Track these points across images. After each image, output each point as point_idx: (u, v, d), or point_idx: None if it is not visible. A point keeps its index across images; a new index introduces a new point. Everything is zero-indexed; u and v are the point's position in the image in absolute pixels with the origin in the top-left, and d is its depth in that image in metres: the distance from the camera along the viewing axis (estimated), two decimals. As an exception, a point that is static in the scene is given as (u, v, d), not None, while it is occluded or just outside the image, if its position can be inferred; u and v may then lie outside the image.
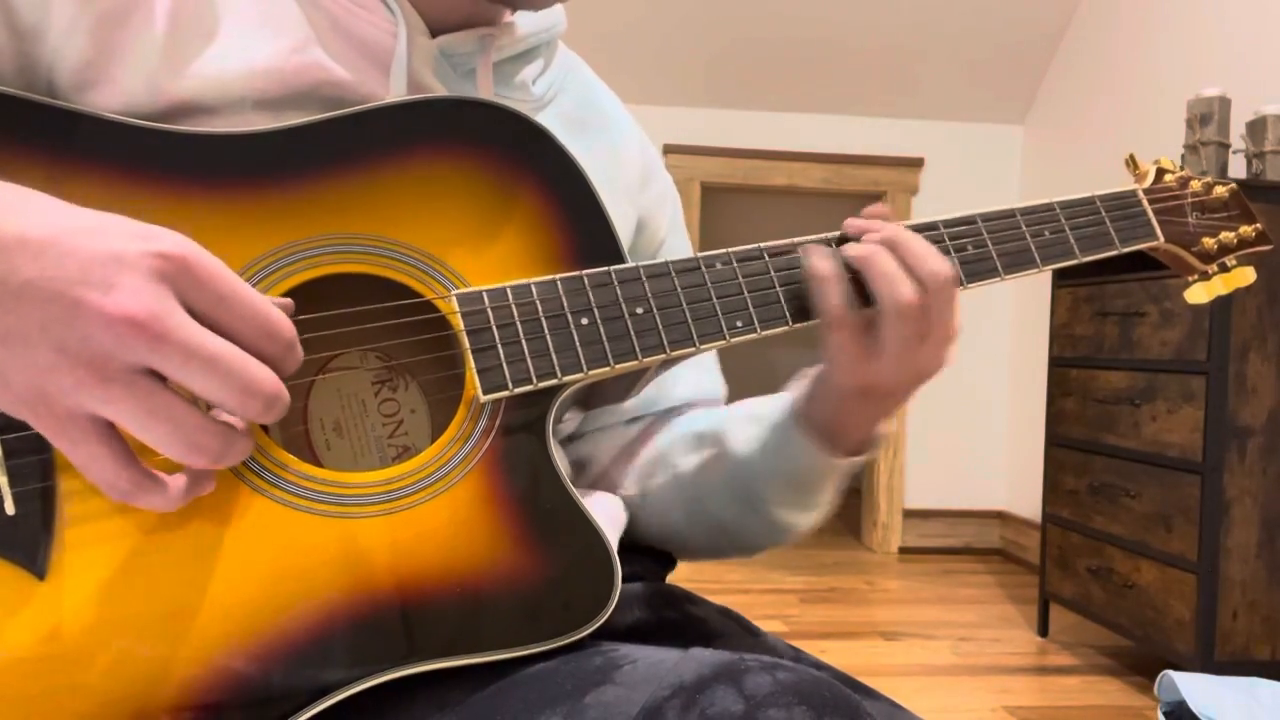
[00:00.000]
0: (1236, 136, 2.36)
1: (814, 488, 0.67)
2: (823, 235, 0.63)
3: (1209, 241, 0.72)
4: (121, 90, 0.56)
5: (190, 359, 0.41)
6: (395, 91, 0.61)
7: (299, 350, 0.46)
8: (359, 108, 0.57)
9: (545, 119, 0.70)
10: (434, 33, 0.64)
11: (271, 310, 0.44)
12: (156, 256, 0.41)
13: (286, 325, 0.45)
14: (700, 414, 0.77)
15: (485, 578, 0.52)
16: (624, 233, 0.72)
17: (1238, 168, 2.42)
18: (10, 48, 0.55)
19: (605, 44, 3.30)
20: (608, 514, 0.68)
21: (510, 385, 0.55)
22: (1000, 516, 3.80)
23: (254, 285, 0.53)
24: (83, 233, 0.41)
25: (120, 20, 0.56)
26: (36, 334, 0.40)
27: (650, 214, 0.76)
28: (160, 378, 0.41)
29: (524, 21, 0.68)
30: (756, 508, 0.68)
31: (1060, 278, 2.62)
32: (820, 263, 0.59)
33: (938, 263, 0.59)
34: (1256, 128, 2.28)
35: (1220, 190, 0.74)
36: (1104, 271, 2.40)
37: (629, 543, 0.73)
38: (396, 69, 0.61)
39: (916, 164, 3.73)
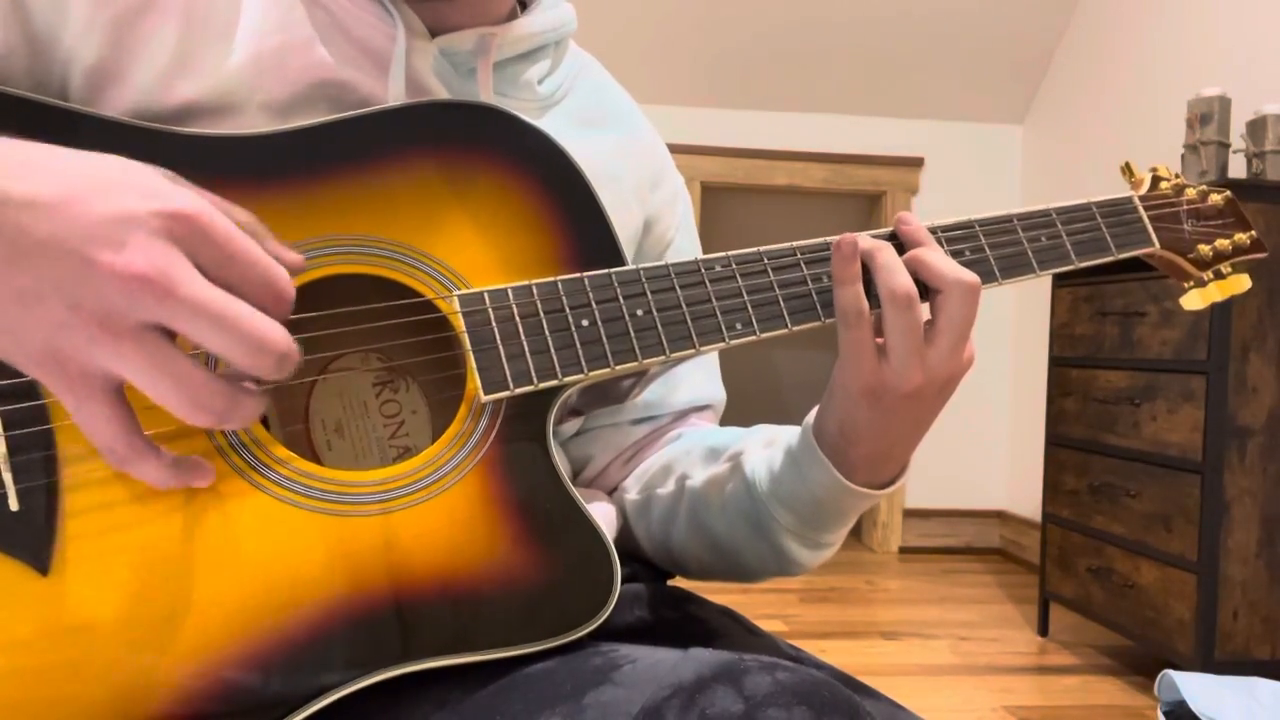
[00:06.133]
0: (1236, 136, 2.36)
1: (822, 517, 0.64)
2: (825, 239, 0.63)
3: (1204, 248, 0.72)
4: (132, 89, 0.56)
5: (198, 314, 0.41)
6: (394, 93, 0.61)
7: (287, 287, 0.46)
8: (361, 110, 0.57)
9: (552, 118, 0.70)
10: (435, 33, 0.64)
11: (279, 274, 0.45)
12: (167, 216, 0.42)
13: (290, 290, 0.46)
14: (715, 429, 0.76)
15: (484, 577, 0.52)
16: (630, 232, 0.72)
17: (1238, 168, 2.42)
18: (23, 50, 0.56)
19: (605, 43, 3.30)
20: (601, 518, 0.68)
21: (511, 385, 0.55)
22: (1000, 516, 3.80)
23: None
24: (94, 192, 0.42)
25: (134, 20, 0.57)
26: (50, 292, 0.41)
27: (659, 214, 0.76)
28: (171, 336, 0.42)
29: (528, 21, 0.68)
30: (763, 531, 0.66)
31: (1060, 278, 2.62)
32: (843, 265, 0.59)
33: (944, 265, 0.59)
34: (1256, 128, 2.28)
35: (1215, 198, 0.74)
36: (1104, 271, 2.40)
37: (622, 551, 0.73)
38: (395, 70, 0.61)
39: (916, 164, 3.73)
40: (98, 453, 0.44)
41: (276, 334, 0.43)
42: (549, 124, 0.67)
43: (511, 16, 0.69)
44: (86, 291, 0.40)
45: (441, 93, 0.63)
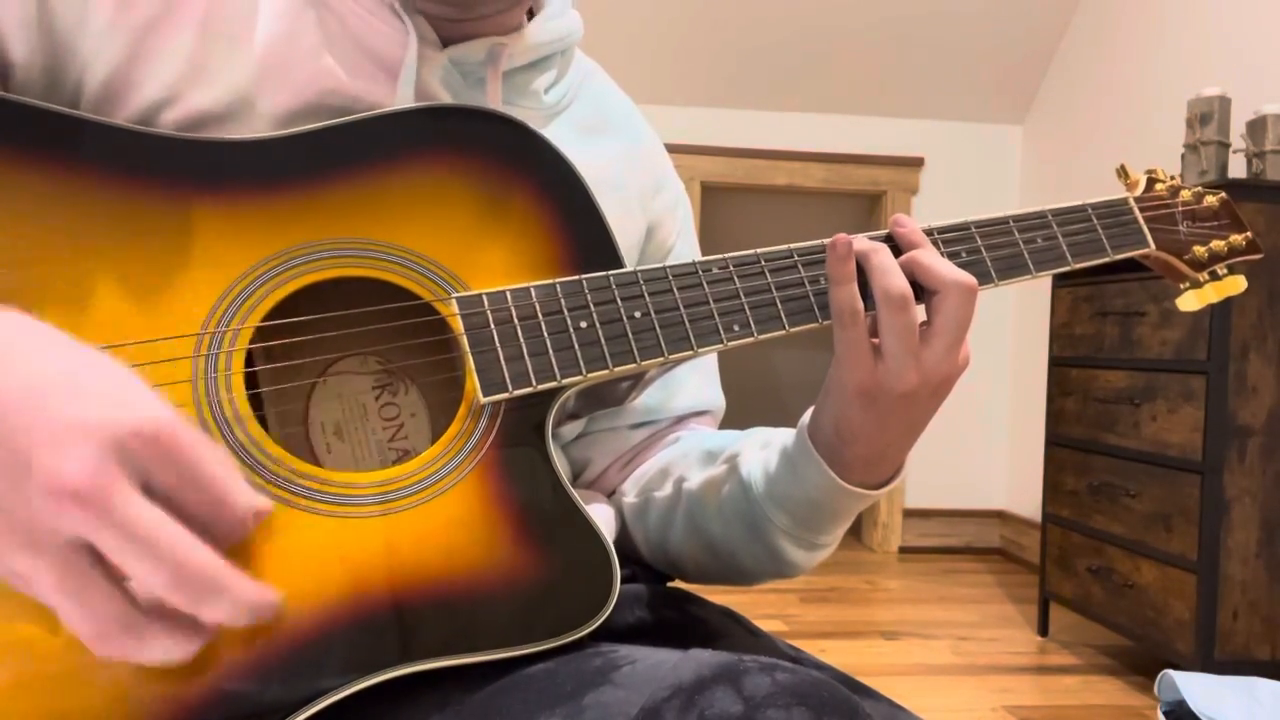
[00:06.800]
0: (1236, 136, 2.36)
1: (817, 518, 0.64)
2: (822, 241, 0.63)
3: (1200, 250, 0.72)
4: (143, 96, 0.57)
5: (127, 537, 0.39)
6: (402, 102, 0.61)
7: (244, 525, 0.43)
8: (363, 114, 0.57)
9: (557, 126, 0.70)
10: (445, 42, 0.64)
11: (237, 501, 0.43)
12: (126, 431, 0.40)
13: (243, 526, 0.43)
14: (712, 433, 0.76)
15: (484, 578, 0.53)
16: (633, 238, 0.72)
17: (1238, 167, 2.42)
18: (42, 56, 0.56)
19: (606, 44, 3.30)
20: (600, 519, 0.68)
21: (510, 386, 0.55)
22: (1000, 516, 3.80)
23: (259, 288, 0.54)
24: (59, 392, 0.40)
25: (153, 27, 0.57)
26: None
27: (661, 220, 0.76)
28: (97, 554, 0.40)
29: (537, 31, 0.68)
30: (759, 532, 0.66)
31: (1060, 278, 2.62)
32: (838, 264, 0.59)
33: (941, 266, 0.59)
34: (1256, 128, 2.28)
35: (1210, 200, 0.74)
36: (1104, 271, 2.40)
37: (622, 553, 0.73)
38: (405, 79, 0.61)
39: (916, 164, 3.73)
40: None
41: (206, 567, 0.40)
42: (553, 132, 0.67)
43: (519, 25, 0.69)
44: (17, 499, 0.39)
45: (448, 101, 0.63)
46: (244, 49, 0.58)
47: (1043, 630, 2.72)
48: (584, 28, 0.73)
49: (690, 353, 0.59)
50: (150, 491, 0.41)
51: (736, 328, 0.60)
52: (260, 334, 0.54)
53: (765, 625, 0.70)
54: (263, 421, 0.55)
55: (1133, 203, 0.71)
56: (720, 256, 0.61)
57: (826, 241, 0.61)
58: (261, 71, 0.58)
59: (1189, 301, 0.73)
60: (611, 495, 0.76)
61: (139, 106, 0.57)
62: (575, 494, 0.56)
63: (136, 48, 0.57)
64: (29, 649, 0.46)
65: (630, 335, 0.58)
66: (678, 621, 0.66)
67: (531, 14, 0.71)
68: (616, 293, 0.58)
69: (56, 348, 0.42)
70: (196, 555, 0.40)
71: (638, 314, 0.58)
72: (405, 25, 0.62)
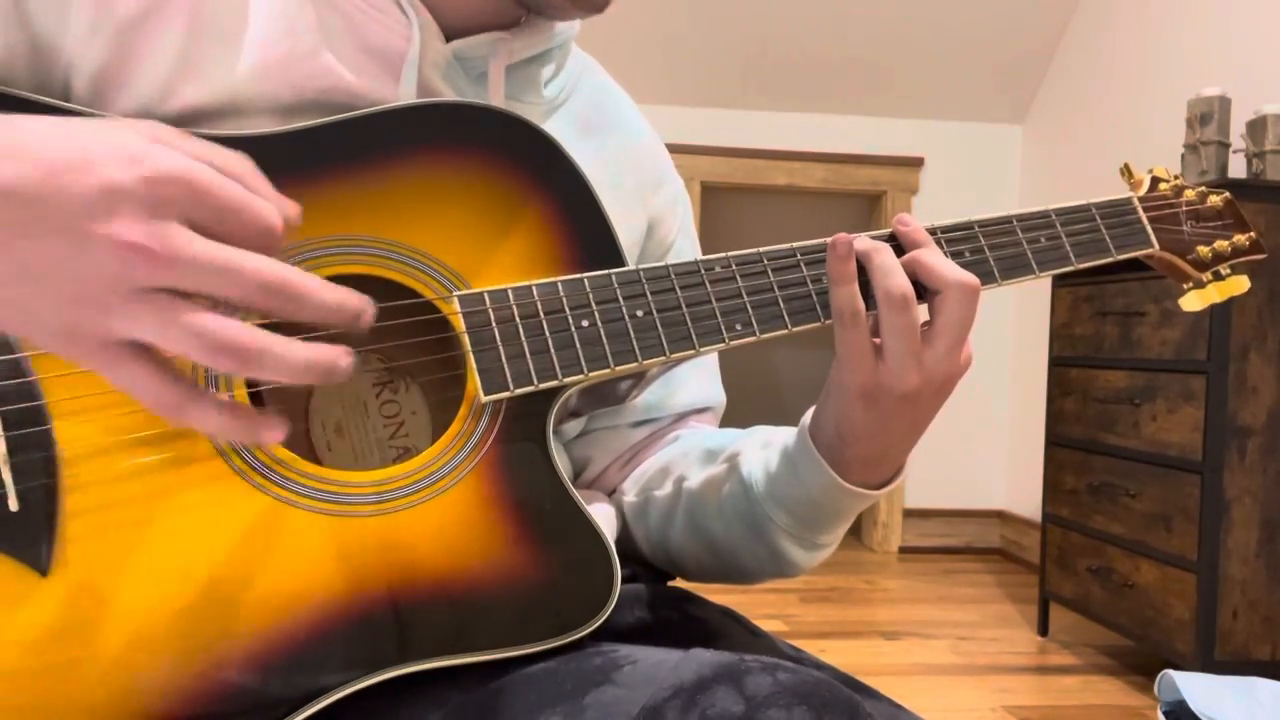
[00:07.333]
0: (1236, 136, 2.36)
1: (818, 518, 0.64)
2: (825, 240, 0.63)
3: (1203, 250, 0.72)
4: (135, 94, 0.56)
5: (204, 269, 0.41)
6: (404, 96, 0.61)
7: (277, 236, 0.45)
8: (365, 110, 0.57)
9: (556, 121, 0.70)
10: (449, 36, 0.64)
11: (271, 217, 0.44)
12: (152, 182, 0.41)
13: (278, 230, 0.44)
14: (713, 431, 0.76)
15: (485, 578, 0.53)
16: (633, 235, 0.72)
17: (1238, 167, 2.42)
18: (25, 53, 0.56)
19: (606, 43, 3.30)
20: (601, 519, 0.68)
21: (511, 386, 0.55)
22: (1000, 516, 3.80)
23: None
24: (74, 168, 0.41)
25: (139, 24, 0.57)
26: (53, 270, 0.40)
27: (661, 216, 0.76)
28: (182, 295, 0.41)
29: (538, 24, 0.68)
30: (760, 532, 0.66)
31: (1060, 278, 2.62)
32: (838, 264, 0.59)
33: (943, 266, 0.59)
34: (1256, 128, 2.28)
35: (1214, 199, 0.74)
36: (1104, 271, 2.40)
37: (622, 553, 0.72)
38: (407, 73, 0.61)
39: (916, 164, 3.73)
40: (151, 412, 0.43)
41: (281, 272, 0.42)
42: (553, 128, 0.66)
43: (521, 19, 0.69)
44: (88, 264, 0.40)
45: (449, 97, 0.63)
46: (236, 47, 0.58)
47: (1043, 630, 2.72)
48: (584, 26, 0.72)
49: (692, 352, 0.59)
50: (195, 226, 0.42)
51: (739, 327, 0.60)
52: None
53: (765, 625, 0.70)
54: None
55: (1137, 202, 0.71)
56: (723, 255, 0.61)
57: (829, 240, 0.61)
58: (259, 69, 0.58)
59: (1192, 302, 0.73)
60: (612, 494, 0.76)
61: (132, 104, 0.56)
62: (576, 494, 0.55)
63: (122, 47, 0.56)
64: (35, 639, 0.46)
65: (632, 334, 0.58)
66: (678, 621, 0.66)
67: (532, 10, 0.71)
68: (619, 291, 0.58)
69: (51, 128, 0.43)
70: (269, 265, 0.42)
71: (640, 313, 0.58)
72: (410, 19, 0.62)
